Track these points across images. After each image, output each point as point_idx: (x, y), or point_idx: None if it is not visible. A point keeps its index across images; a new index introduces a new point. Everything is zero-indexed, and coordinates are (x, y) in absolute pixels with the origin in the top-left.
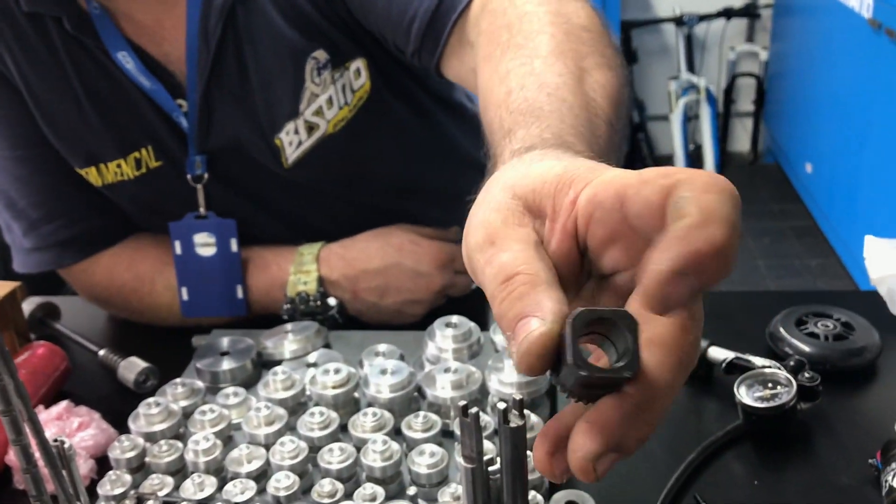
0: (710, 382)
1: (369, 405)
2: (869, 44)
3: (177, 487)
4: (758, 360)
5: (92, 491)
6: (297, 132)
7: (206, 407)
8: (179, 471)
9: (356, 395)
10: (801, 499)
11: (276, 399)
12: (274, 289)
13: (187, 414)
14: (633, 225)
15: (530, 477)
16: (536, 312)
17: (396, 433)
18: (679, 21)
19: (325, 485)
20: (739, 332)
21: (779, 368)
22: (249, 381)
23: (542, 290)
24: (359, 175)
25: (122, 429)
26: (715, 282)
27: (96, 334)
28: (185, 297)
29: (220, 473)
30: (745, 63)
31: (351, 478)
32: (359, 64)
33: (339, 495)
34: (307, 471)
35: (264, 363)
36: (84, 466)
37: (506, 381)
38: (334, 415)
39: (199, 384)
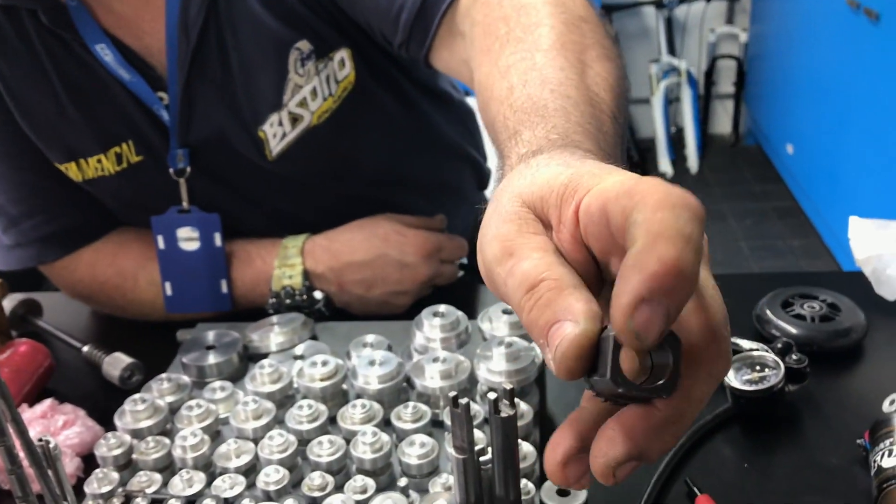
0: None
1: (358, 397)
2: (848, 24)
3: (165, 484)
4: (745, 343)
5: (79, 490)
6: (280, 124)
7: (192, 402)
8: (167, 467)
9: (344, 386)
10: (791, 480)
11: (264, 392)
12: (259, 283)
13: (174, 409)
14: (618, 240)
15: (521, 466)
16: (568, 316)
17: (386, 424)
18: (659, 4)
19: (315, 478)
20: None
21: (766, 351)
22: (236, 375)
23: (569, 293)
24: (344, 167)
25: (108, 426)
26: (684, 300)
27: (79, 330)
28: (168, 292)
29: (209, 469)
30: (725, 45)
31: (341, 470)
32: (343, 54)
33: (329, 488)
34: (296, 464)
35: (251, 356)
36: (70, 465)
37: (495, 369)
38: (323, 407)
39: (186, 379)
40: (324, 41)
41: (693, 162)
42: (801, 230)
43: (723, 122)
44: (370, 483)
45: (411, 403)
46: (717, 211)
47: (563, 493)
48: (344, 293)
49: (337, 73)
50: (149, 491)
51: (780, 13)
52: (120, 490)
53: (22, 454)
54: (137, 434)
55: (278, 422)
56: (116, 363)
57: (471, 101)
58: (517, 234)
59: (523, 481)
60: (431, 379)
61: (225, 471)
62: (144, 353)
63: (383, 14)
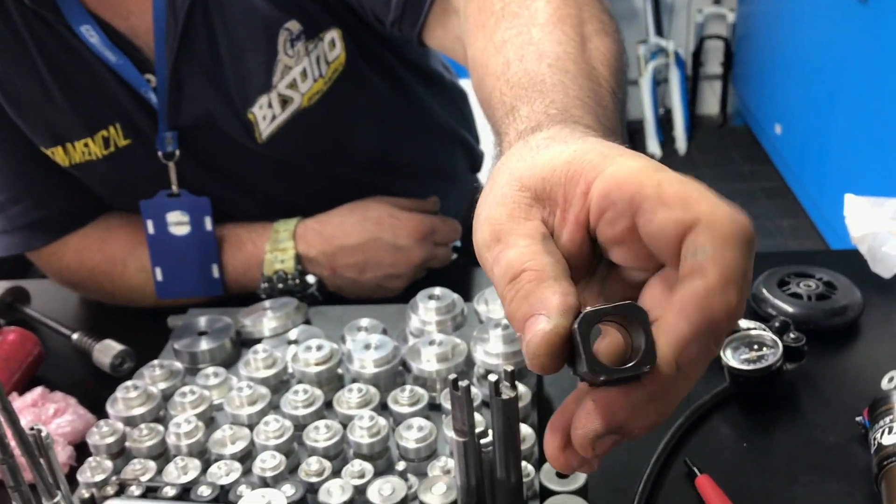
0: None
1: (354, 381)
2: (836, 3)
3: (159, 472)
4: (742, 323)
5: (72, 478)
6: (270, 106)
7: (185, 388)
8: (161, 455)
9: (340, 371)
10: (790, 459)
11: (258, 378)
12: (250, 268)
13: (167, 396)
14: (643, 240)
15: (522, 447)
16: (542, 310)
17: (383, 408)
18: None
19: (312, 463)
20: None
21: (764, 330)
22: (229, 361)
23: (548, 285)
24: (335, 150)
25: (100, 414)
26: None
27: (69, 318)
28: (159, 277)
29: (204, 456)
30: (712, 25)
31: (338, 455)
32: (333, 35)
33: (326, 473)
34: (293, 450)
35: (244, 342)
36: (62, 454)
37: (491, 351)
38: (318, 392)
39: (178, 365)
40: (314, 21)
41: (681, 143)
42: (790, 210)
43: (711, 103)
44: (368, 467)
45: (408, 387)
46: None
47: (562, 474)
48: (337, 277)
49: (327, 54)
50: (143, 479)
51: None
52: (114, 478)
53: (13, 443)
54: (130, 422)
55: (273, 407)
56: (107, 350)
57: (464, 83)
58: (507, 219)
59: (522, 463)
60: (428, 362)
61: (220, 457)
62: (135, 339)
63: None
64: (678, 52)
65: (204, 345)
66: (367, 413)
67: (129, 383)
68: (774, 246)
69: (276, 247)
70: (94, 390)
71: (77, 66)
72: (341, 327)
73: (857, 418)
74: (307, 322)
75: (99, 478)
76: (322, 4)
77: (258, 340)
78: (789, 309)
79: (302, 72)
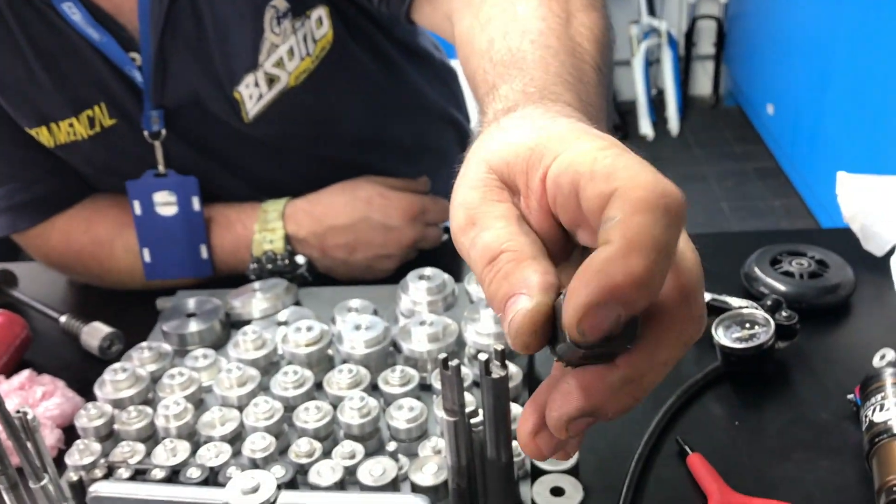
0: None
1: (344, 362)
2: None
3: (148, 454)
4: (734, 301)
5: (60, 461)
6: (256, 85)
7: (174, 370)
8: (150, 437)
9: (330, 352)
10: (782, 437)
11: (248, 359)
12: (239, 248)
13: (155, 378)
14: (587, 219)
15: (513, 427)
16: (523, 289)
17: (373, 389)
18: None
19: (303, 444)
20: (714, 274)
21: (756, 308)
22: (218, 343)
23: (527, 264)
24: (323, 129)
25: (89, 396)
26: (641, 308)
27: (56, 300)
28: (147, 258)
29: (193, 438)
30: (705, 5)
31: (328, 436)
32: (320, 12)
33: (317, 454)
34: (283, 431)
35: (233, 323)
36: (51, 437)
37: (482, 331)
38: (308, 373)
39: (167, 347)
40: None
41: (674, 124)
42: (782, 190)
43: (703, 84)
44: (358, 448)
45: (399, 367)
46: (698, 172)
47: None
48: (327, 257)
49: (314, 32)
50: (132, 461)
51: None
52: (102, 461)
53: None
54: (118, 404)
55: (263, 388)
56: (95, 333)
57: (454, 62)
58: (481, 202)
59: (514, 443)
60: (419, 342)
61: (210, 439)
62: (124, 322)
63: None
64: (670, 32)
65: (193, 326)
66: (357, 394)
67: (117, 365)
68: (766, 225)
69: (265, 227)
70: (82, 373)
71: (60, 44)
72: (331, 308)
73: (849, 396)
74: (297, 303)
75: (87, 461)
76: None
77: (248, 322)
78: (781, 287)
79: (289, 50)
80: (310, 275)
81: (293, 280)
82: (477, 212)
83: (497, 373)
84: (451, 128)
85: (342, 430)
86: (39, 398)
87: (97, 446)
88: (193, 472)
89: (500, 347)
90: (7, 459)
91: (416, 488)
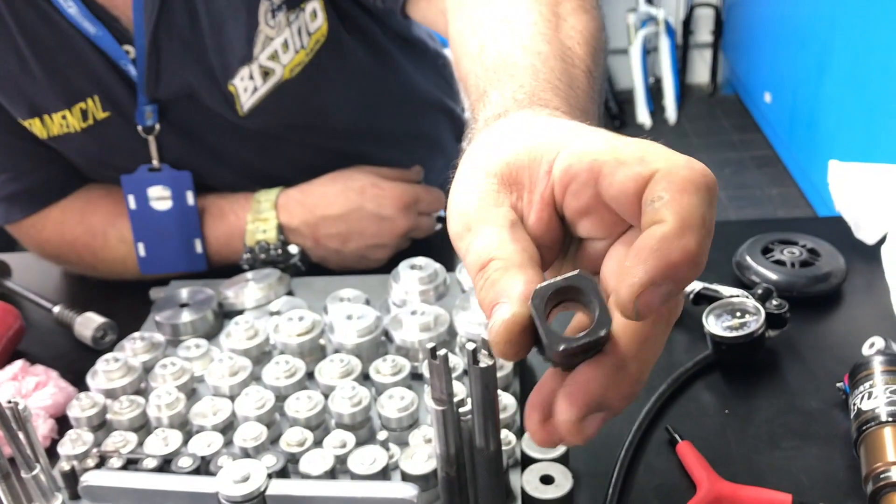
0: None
1: (336, 351)
2: None
3: (140, 444)
4: (725, 290)
5: (53, 451)
6: (251, 78)
7: (167, 360)
8: (143, 426)
9: (322, 342)
10: (771, 425)
11: (240, 349)
12: (233, 239)
13: (148, 368)
14: (607, 203)
15: (502, 416)
16: (505, 298)
17: (365, 378)
18: None
19: (294, 434)
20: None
21: (746, 297)
22: (211, 333)
23: (514, 273)
24: (317, 120)
25: (82, 386)
26: (687, 284)
27: (50, 291)
28: (142, 253)
29: (185, 427)
30: None
31: (319, 425)
32: (315, 5)
33: (308, 444)
34: (274, 420)
35: (226, 313)
36: (44, 427)
37: (473, 321)
38: (300, 363)
39: (160, 337)
40: None
41: (671, 112)
42: (779, 179)
43: (701, 72)
44: (349, 437)
45: (390, 357)
46: None
47: None
48: (320, 247)
49: (309, 25)
50: (124, 451)
51: None
52: (94, 450)
53: None
54: (111, 394)
55: (255, 378)
56: (89, 323)
57: (448, 51)
58: (476, 208)
59: (504, 432)
60: (410, 332)
61: (201, 429)
62: (117, 312)
63: None
64: (668, 20)
65: (186, 316)
66: (348, 383)
67: (109, 356)
68: (763, 214)
69: (258, 217)
70: (76, 363)
71: (54, 36)
72: (324, 298)
73: (838, 384)
74: (290, 293)
75: (80, 450)
76: None
77: (241, 312)
78: (772, 276)
79: (283, 43)
80: (303, 264)
81: (286, 270)
82: (472, 218)
83: (485, 362)
84: (444, 117)
85: (333, 420)
86: (33, 388)
87: (90, 436)
88: (185, 462)
89: (487, 336)
90: None
91: (406, 477)
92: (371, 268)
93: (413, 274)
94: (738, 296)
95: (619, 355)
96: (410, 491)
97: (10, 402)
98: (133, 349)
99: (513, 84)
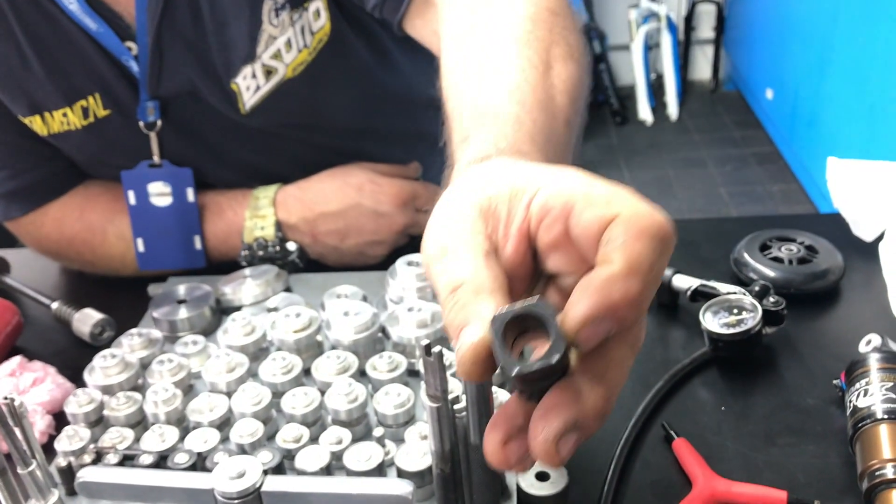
0: (676, 310)
1: (333, 348)
2: None
3: (137, 440)
4: (722, 287)
5: (51, 448)
6: (254, 76)
7: (164, 357)
8: (139, 423)
9: (319, 338)
10: (767, 422)
11: (237, 346)
12: (231, 235)
13: (145, 365)
14: (573, 240)
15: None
16: (474, 321)
17: (361, 375)
18: None
19: (290, 430)
20: (704, 260)
21: (744, 294)
22: (209, 329)
23: (484, 297)
24: (318, 118)
25: (80, 383)
26: (628, 325)
27: (49, 287)
28: (141, 248)
29: (182, 423)
30: None
31: (316, 422)
32: (318, 4)
33: (304, 440)
34: (271, 417)
35: (224, 310)
36: (41, 423)
37: None
38: (297, 359)
39: (157, 334)
40: None
41: (673, 109)
42: (781, 175)
43: (703, 68)
44: (346, 434)
45: (386, 353)
46: (697, 157)
47: None
48: (318, 244)
49: (312, 25)
50: (120, 447)
51: None
52: (91, 447)
53: None
54: (108, 390)
55: (252, 375)
56: (87, 319)
57: None
58: (454, 235)
59: None
60: (407, 328)
61: (198, 425)
62: (115, 308)
63: None
64: (670, 16)
65: (183, 313)
66: (345, 380)
67: (106, 352)
68: (764, 211)
69: (256, 213)
70: (73, 359)
71: (55, 33)
72: (321, 294)
73: (835, 381)
74: (288, 289)
75: (76, 446)
76: None
77: (238, 308)
78: (770, 273)
79: (286, 42)
80: (301, 261)
81: (284, 266)
82: (449, 243)
83: None
84: (443, 114)
85: (330, 416)
86: (30, 385)
87: (86, 432)
88: (181, 458)
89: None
90: None
91: (401, 473)
92: (369, 264)
93: (410, 271)
94: (735, 293)
95: (589, 374)
96: (406, 487)
97: (6, 398)
98: (130, 345)
99: (496, 132)
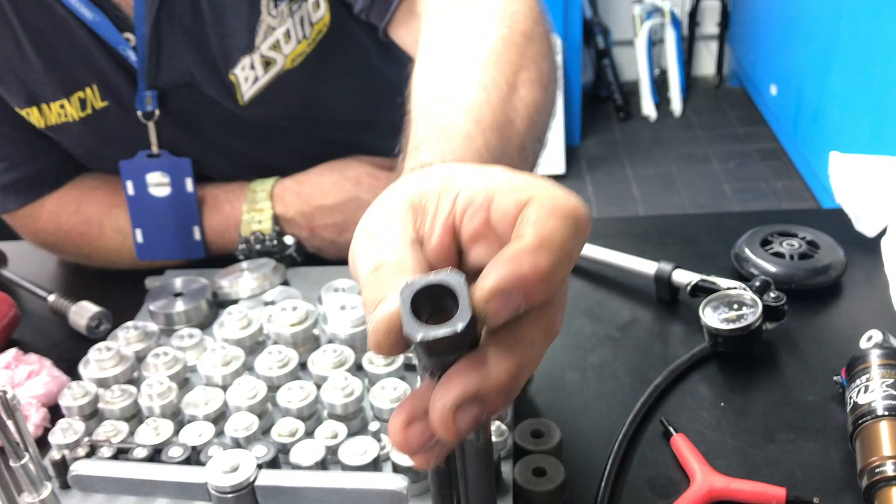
0: (675, 305)
1: (329, 342)
2: None
3: (132, 433)
4: (723, 282)
5: (45, 440)
6: (252, 67)
7: (159, 350)
8: (134, 416)
9: (315, 332)
10: (767, 418)
11: (233, 339)
12: (228, 228)
13: (140, 358)
14: (493, 227)
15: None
16: (392, 297)
17: (358, 369)
18: None
19: (285, 424)
20: (704, 255)
21: (744, 289)
22: (205, 322)
23: (403, 276)
24: (317, 110)
25: (76, 376)
26: (539, 303)
27: (45, 279)
28: (139, 239)
29: (177, 417)
30: None
31: (311, 416)
32: None
33: (299, 434)
34: (266, 410)
35: (221, 303)
36: (36, 416)
37: None
38: (293, 353)
39: (153, 327)
40: None
41: (677, 104)
42: (785, 172)
43: (707, 64)
44: (341, 428)
45: None
46: (701, 153)
47: (536, 434)
48: (315, 238)
49: (311, 15)
50: (115, 440)
51: None
52: (85, 440)
53: None
54: (103, 383)
55: (248, 368)
56: (83, 312)
57: None
58: (383, 223)
59: (496, 423)
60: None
61: (193, 418)
62: (112, 301)
63: None
64: (674, 11)
65: (180, 306)
66: (341, 374)
67: (101, 345)
68: (768, 207)
69: (254, 207)
70: (70, 352)
71: (53, 24)
72: (319, 288)
73: (835, 377)
74: (285, 283)
75: (71, 439)
76: None
77: (235, 301)
78: (771, 268)
79: (285, 33)
80: (298, 255)
81: (282, 260)
82: (377, 230)
83: None
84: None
85: (325, 410)
86: (25, 377)
87: (81, 425)
88: (175, 452)
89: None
90: None
91: (397, 468)
92: None
93: None
94: (735, 288)
95: (489, 350)
96: (401, 482)
97: None
98: (126, 338)
99: (444, 146)
